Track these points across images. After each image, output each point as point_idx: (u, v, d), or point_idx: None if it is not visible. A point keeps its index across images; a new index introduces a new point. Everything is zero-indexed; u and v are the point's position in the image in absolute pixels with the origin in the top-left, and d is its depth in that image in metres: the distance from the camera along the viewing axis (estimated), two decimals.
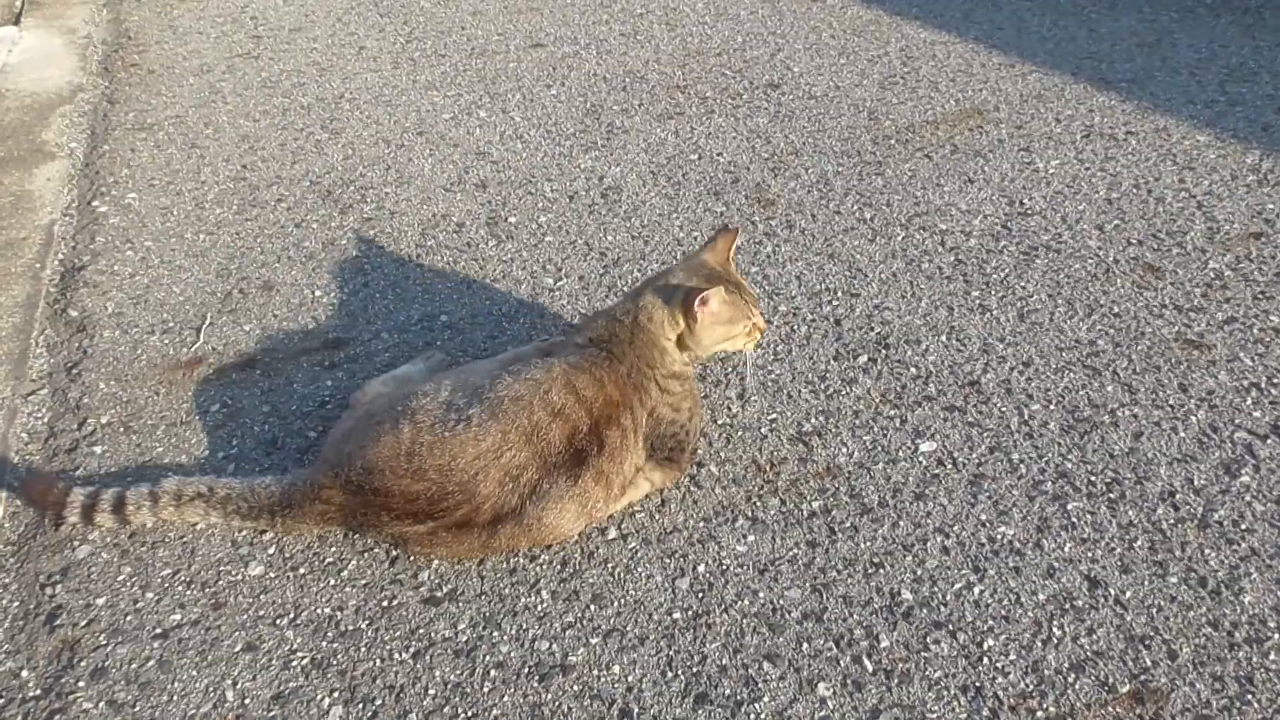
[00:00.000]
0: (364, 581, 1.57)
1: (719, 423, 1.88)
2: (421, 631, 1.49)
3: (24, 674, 1.44)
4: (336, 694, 1.40)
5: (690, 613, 1.51)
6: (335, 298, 2.30)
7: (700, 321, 1.63)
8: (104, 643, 1.48)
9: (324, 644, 1.47)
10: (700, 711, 1.37)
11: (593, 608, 1.52)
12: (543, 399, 1.54)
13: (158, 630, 1.50)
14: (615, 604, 1.53)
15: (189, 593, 1.56)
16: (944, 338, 2.10)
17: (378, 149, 3.01)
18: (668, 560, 1.60)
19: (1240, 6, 3.95)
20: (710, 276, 1.69)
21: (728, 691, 1.39)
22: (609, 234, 2.52)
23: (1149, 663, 1.42)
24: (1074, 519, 1.65)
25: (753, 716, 1.36)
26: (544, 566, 1.59)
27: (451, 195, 2.74)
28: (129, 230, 2.58)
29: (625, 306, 1.69)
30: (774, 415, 1.90)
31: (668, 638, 1.47)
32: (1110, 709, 1.36)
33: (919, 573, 1.56)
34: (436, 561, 1.59)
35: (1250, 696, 1.37)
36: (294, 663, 1.45)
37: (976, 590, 1.53)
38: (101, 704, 1.39)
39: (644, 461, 1.64)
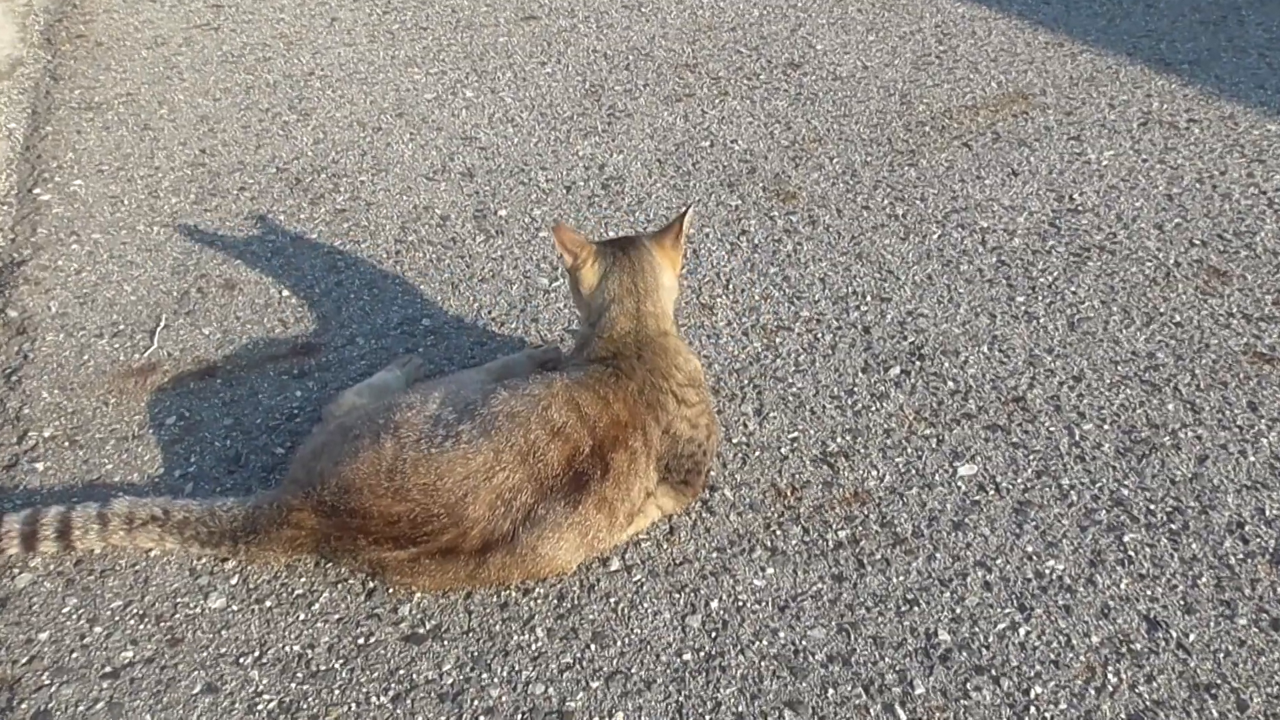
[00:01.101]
0: (338, 616, 1.58)
1: (734, 441, 1.89)
2: (402, 673, 1.49)
3: None
4: None
5: (702, 654, 1.52)
6: (305, 298, 2.31)
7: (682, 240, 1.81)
8: (47, 682, 1.48)
9: (293, 685, 1.48)
10: None
11: (593, 647, 1.53)
12: (541, 416, 1.55)
13: (107, 669, 1.50)
14: (618, 643, 1.53)
15: (142, 627, 1.56)
16: (985, 348, 2.11)
17: (352, 132, 3.02)
18: (677, 595, 1.61)
19: None
20: (631, 234, 1.89)
21: None
22: (611, 229, 2.53)
23: (1215, 714, 1.42)
24: (1131, 552, 1.66)
25: None
26: (539, 601, 1.59)
27: (435, 185, 2.75)
28: (74, 221, 2.59)
29: (623, 325, 1.71)
30: (795, 434, 1.91)
31: (677, 681, 1.48)
32: None
33: (958, 611, 1.57)
34: (419, 594, 1.60)
35: None
36: (259, 706, 1.45)
37: (1022, 631, 1.54)
38: None
39: (655, 485, 1.65)
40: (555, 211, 2.61)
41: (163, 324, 2.23)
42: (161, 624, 1.57)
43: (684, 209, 1.86)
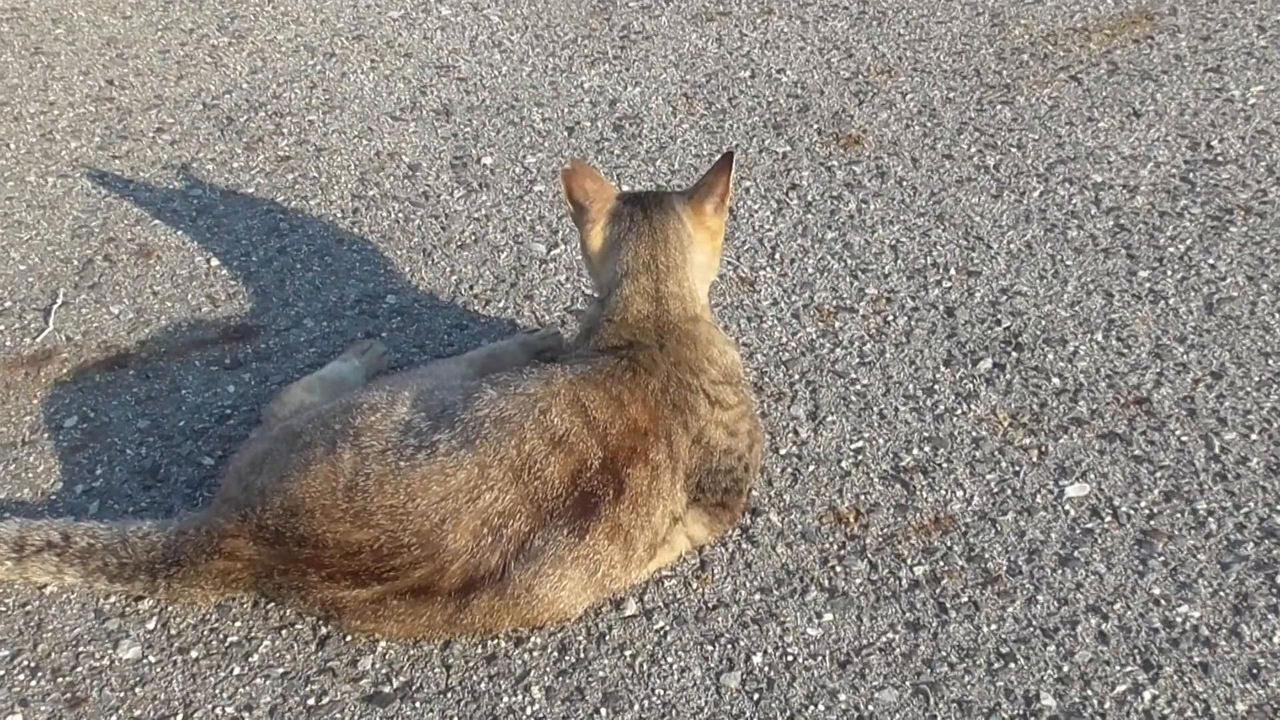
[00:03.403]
0: (282, 670, 1.57)
1: (782, 453, 1.89)
2: None
3: None
4: None
5: None
6: (239, 269, 2.31)
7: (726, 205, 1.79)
8: None
9: None
10: None
11: (603, 712, 1.53)
12: (538, 422, 1.54)
13: None
14: (636, 707, 1.53)
15: (34, 684, 1.56)
16: (1099, 336, 2.10)
17: (298, 60, 3.01)
18: (709, 647, 1.60)
19: None
20: (659, 191, 1.84)
21: None
22: (625, 180, 2.53)
23: None
24: None
25: None
26: (535, 653, 1.59)
27: (402, 125, 2.74)
28: None
29: (638, 307, 1.71)
30: (860, 443, 1.91)
31: None
32: None
33: (1065, 669, 1.56)
34: (384, 643, 1.60)
35: None
36: None
37: (1147, 695, 1.53)
38: None
39: (684, 509, 1.65)
40: (553, 160, 2.60)
41: (60, 300, 2.23)
42: (59, 679, 1.57)
43: (724, 156, 1.78)
